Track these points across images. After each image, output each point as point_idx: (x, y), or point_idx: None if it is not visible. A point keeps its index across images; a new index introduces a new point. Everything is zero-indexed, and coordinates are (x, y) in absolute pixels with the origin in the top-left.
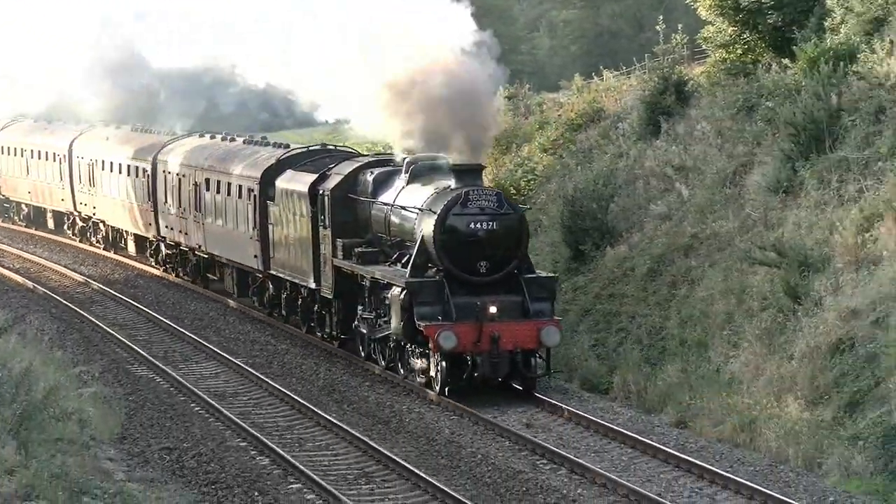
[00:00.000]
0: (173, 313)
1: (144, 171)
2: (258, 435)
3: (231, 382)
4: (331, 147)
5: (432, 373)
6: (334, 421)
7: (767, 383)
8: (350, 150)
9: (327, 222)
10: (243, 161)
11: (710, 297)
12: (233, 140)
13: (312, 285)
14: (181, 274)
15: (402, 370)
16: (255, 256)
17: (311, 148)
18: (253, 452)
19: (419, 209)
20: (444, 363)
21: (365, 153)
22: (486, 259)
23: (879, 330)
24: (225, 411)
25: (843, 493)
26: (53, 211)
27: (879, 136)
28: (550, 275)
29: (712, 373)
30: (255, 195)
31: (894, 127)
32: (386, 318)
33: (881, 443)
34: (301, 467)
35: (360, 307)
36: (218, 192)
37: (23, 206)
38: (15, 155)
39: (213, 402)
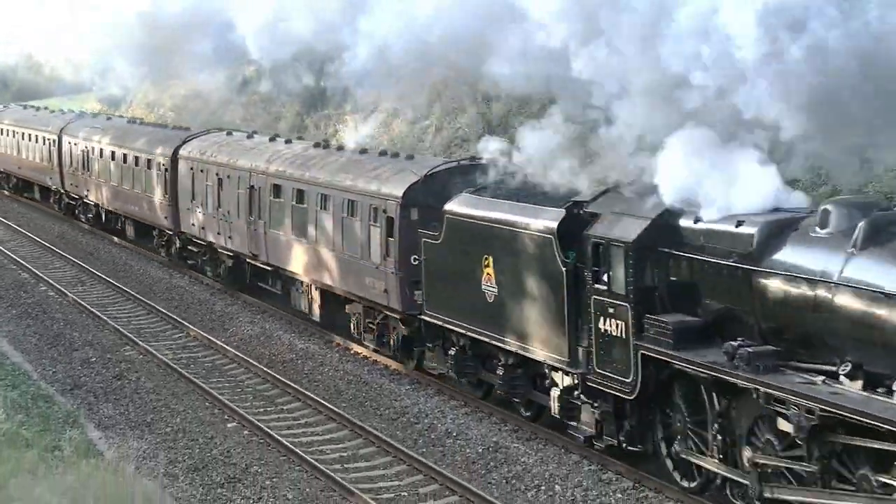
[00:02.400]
0: None
1: (160, 164)
2: (21, 261)
3: (6, 235)
4: (480, 160)
5: None
6: (62, 253)
7: None
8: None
9: (622, 288)
10: (351, 173)
11: None
12: (289, 142)
13: (565, 366)
14: (209, 274)
15: None
16: (386, 292)
17: (461, 162)
18: (19, 271)
19: None
20: None
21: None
22: None
23: None
24: (2, 249)
25: None
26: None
27: None
28: None
29: None
30: (390, 218)
31: None
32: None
33: None
34: (45, 277)
35: (714, 438)
36: (301, 202)
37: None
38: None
39: None
